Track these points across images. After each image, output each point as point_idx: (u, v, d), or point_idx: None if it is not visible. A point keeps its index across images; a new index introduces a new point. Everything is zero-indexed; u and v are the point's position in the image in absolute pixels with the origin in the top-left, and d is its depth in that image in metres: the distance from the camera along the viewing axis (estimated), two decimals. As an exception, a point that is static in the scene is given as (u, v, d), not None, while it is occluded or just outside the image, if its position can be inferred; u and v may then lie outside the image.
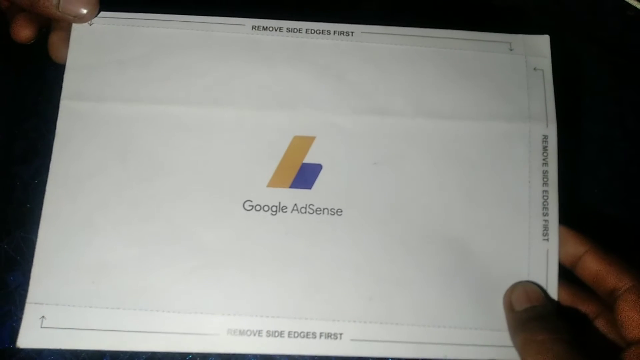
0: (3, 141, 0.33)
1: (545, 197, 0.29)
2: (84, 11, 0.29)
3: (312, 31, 0.31)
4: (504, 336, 0.27)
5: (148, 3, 0.30)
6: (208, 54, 0.30)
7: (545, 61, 0.31)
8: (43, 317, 0.26)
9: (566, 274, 0.28)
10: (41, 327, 0.26)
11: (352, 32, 0.31)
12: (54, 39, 0.30)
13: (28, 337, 0.26)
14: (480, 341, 0.27)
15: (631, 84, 0.35)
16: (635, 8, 0.36)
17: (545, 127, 0.30)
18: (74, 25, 0.30)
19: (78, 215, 0.28)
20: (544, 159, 0.29)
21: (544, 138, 0.29)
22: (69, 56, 0.29)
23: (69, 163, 0.28)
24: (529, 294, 0.27)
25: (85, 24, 0.30)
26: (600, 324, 0.27)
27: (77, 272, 0.27)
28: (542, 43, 0.31)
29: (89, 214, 0.28)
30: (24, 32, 0.29)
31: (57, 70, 0.29)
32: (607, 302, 0.26)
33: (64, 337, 0.26)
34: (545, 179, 0.29)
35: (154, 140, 0.29)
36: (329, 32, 0.31)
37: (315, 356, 0.27)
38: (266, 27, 0.31)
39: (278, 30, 0.31)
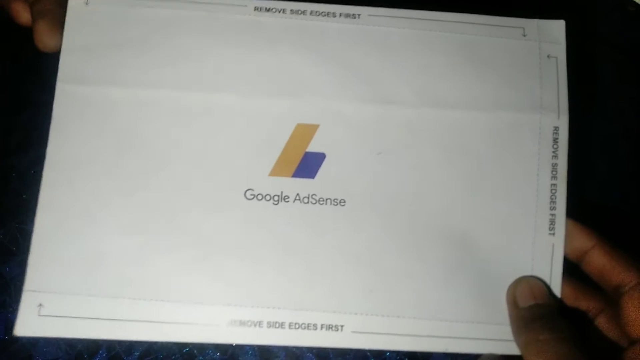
0: (-1, 132, 0.32)
1: (553, 191, 0.28)
2: None
3: (317, 13, 0.29)
4: (506, 330, 0.27)
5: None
6: (209, 37, 0.29)
7: (559, 48, 0.30)
8: (40, 305, 0.26)
9: (570, 269, 0.28)
10: (38, 315, 0.26)
11: (358, 15, 0.30)
12: (40, 26, 0.28)
13: (25, 326, 0.26)
14: (481, 335, 0.27)
15: (631, 81, 0.34)
16: (636, 3, 0.34)
17: (556, 118, 0.29)
18: (70, 6, 0.28)
19: (75, 203, 0.27)
20: (553, 152, 0.28)
21: (555, 130, 0.29)
22: (65, 38, 0.28)
23: (66, 149, 0.28)
24: (534, 290, 0.27)
25: (82, 4, 0.29)
26: (604, 320, 0.27)
27: (75, 260, 0.27)
28: (556, 29, 0.30)
29: (86, 202, 0.27)
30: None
31: (52, 60, 0.28)
32: (613, 297, 0.26)
33: (61, 326, 0.26)
34: (554, 172, 0.28)
35: (152, 126, 0.28)
36: (334, 15, 0.30)
37: (316, 348, 0.27)
38: (269, 9, 0.29)
39: (281, 11, 0.29)
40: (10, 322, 0.29)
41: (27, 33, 0.28)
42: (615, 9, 0.36)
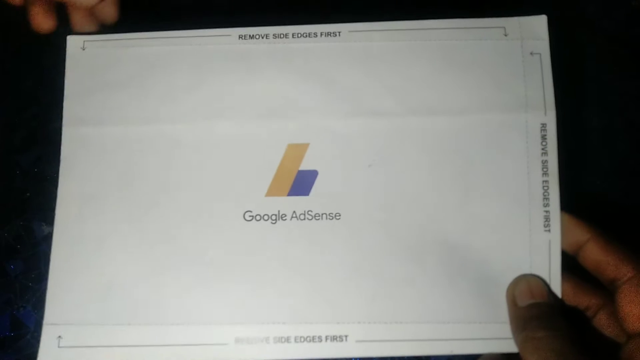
0: (3, 129, 0.32)
1: (545, 188, 0.28)
2: None
3: (299, 35, 0.30)
4: (509, 328, 0.27)
5: (136, 21, 0.31)
6: (199, 70, 0.30)
7: (542, 44, 0.30)
8: (59, 337, 0.28)
9: (571, 265, 0.28)
10: (58, 347, 0.28)
11: (339, 32, 0.30)
12: (35, 10, 0.29)
13: (46, 358, 0.27)
14: (485, 334, 0.28)
15: (633, 75, 0.34)
16: (639, -2, 0.34)
17: (543, 115, 0.29)
18: (68, 53, 0.30)
19: (87, 236, 0.29)
20: (542, 149, 0.29)
21: (542, 126, 0.29)
22: (66, 83, 0.30)
23: (76, 187, 0.29)
24: (533, 289, 0.27)
25: (79, 49, 0.30)
26: (604, 317, 0.27)
27: (89, 291, 0.28)
28: (538, 24, 0.30)
29: (97, 234, 0.29)
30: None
31: (56, 57, 0.29)
32: (610, 291, 0.26)
33: (79, 355, 0.28)
34: (544, 169, 0.28)
35: (153, 159, 0.29)
36: (315, 35, 0.30)
37: (322, 359, 0.28)
38: (252, 36, 0.30)
39: (264, 37, 0.30)
40: (14, 319, 0.30)
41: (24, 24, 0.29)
42: (619, 5, 0.35)
